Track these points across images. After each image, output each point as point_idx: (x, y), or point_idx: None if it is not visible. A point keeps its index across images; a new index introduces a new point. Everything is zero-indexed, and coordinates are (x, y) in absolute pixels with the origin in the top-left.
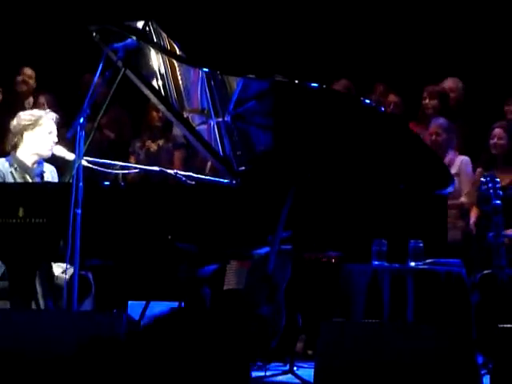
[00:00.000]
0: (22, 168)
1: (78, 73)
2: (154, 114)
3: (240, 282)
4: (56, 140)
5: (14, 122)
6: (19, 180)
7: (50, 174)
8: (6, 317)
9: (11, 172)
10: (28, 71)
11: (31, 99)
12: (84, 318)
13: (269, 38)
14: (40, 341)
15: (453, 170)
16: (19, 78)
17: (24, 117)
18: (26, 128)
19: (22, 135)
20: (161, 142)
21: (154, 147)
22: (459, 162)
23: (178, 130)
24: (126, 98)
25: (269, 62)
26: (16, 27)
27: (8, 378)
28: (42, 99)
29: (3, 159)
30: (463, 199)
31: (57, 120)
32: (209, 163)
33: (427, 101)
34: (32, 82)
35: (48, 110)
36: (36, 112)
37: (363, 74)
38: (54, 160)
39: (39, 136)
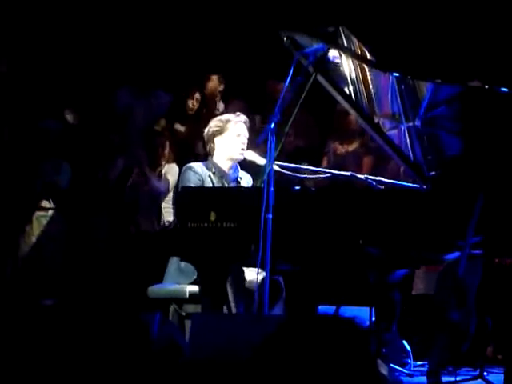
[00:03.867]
0: (220, 173)
1: (266, 79)
2: (351, 117)
3: (428, 287)
4: (245, 142)
5: (206, 130)
6: (217, 184)
7: (247, 182)
8: (198, 320)
9: (209, 176)
10: (213, 77)
11: (221, 104)
12: (275, 323)
13: (460, 42)
14: (231, 345)
15: None
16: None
17: (213, 123)
18: (215, 134)
19: (213, 141)
20: (352, 146)
21: (340, 150)
22: None
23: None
24: (314, 101)
25: (461, 65)
26: (207, 33)
27: (197, 381)
28: (233, 105)
29: (201, 163)
30: None
31: (246, 122)
32: (402, 168)
33: None
34: (213, 84)
35: (238, 113)
36: (224, 117)
37: None
38: (245, 165)
39: (228, 140)
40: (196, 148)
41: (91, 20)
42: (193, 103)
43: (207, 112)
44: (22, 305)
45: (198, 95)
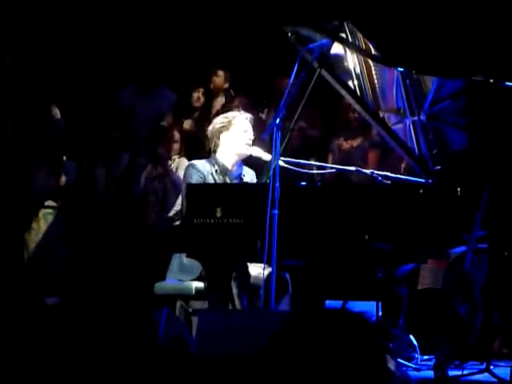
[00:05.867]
0: (223, 170)
1: (272, 75)
2: (351, 114)
3: (435, 282)
4: (251, 138)
5: (210, 127)
6: (219, 181)
7: (250, 178)
8: (205, 317)
9: (212, 173)
10: (220, 72)
11: (222, 98)
12: (282, 319)
13: (465, 36)
14: (237, 340)
15: None
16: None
17: (218, 120)
18: (221, 130)
19: (218, 137)
20: (357, 141)
21: (345, 146)
22: None
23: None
24: (318, 97)
25: (465, 60)
26: (211, 29)
27: (205, 378)
28: (236, 101)
29: (203, 160)
30: None
31: (251, 120)
32: (403, 163)
33: None
34: (219, 80)
35: (243, 112)
36: (230, 114)
37: None
38: (251, 161)
39: (234, 135)
40: (204, 144)
41: (97, 16)
42: (198, 96)
43: (212, 107)
44: (25, 303)
45: (202, 89)
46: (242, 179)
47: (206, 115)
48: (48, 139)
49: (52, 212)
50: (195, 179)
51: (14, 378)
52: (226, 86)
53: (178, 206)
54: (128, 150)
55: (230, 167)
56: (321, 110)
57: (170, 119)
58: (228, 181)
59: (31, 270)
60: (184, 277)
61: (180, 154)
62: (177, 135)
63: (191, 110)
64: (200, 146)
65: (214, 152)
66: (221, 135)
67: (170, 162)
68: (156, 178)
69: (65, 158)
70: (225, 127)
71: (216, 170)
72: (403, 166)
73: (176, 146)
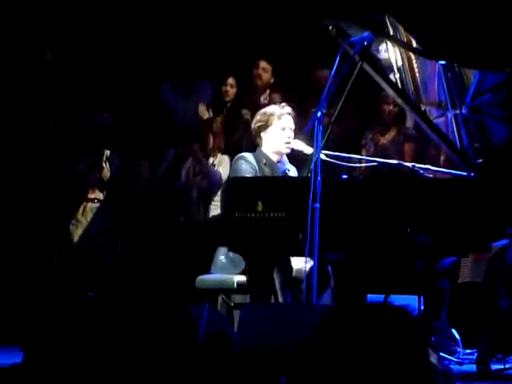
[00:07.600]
0: (270, 163)
1: (313, 68)
2: (385, 107)
3: (476, 275)
4: (291, 135)
5: (252, 124)
6: (269, 175)
7: (294, 174)
8: (247, 310)
9: (261, 166)
10: (264, 64)
11: (267, 93)
12: (324, 313)
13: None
14: (279, 334)
15: None
16: (255, 72)
17: (258, 117)
18: (260, 129)
19: (259, 136)
20: (391, 135)
21: (382, 141)
22: None
23: (409, 123)
24: (353, 91)
25: (508, 52)
26: (254, 21)
27: (247, 373)
28: (276, 96)
29: (250, 154)
30: None
31: (291, 113)
32: (442, 156)
33: None
34: (267, 75)
35: (283, 105)
36: (268, 110)
37: None
38: (292, 154)
39: (272, 135)
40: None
41: (138, 10)
42: (226, 89)
43: (254, 100)
44: (67, 295)
45: (231, 80)
46: (286, 174)
47: (246, 107)
48: (93, 132)
49: (96, 206)
50: (248, 171)
51: (49, 371)
52: (272, 80)
53: (217, 202)
54: (173, 146)
55: (275, 161)
56: (354, 104)
57: (207, 113)
58: (276, 174)
59: (77, 263)
60: (229, 270)
61: (220, 150)
62: (215, 128)
63: (223, 105)
64: (236, 143)
65: (259, 146)
66: (261, 133)
67: (211, 159)
68: (198, 174)
69: (109, 151)
70: (263, 126)
71: (265, 163)
72: (442, 158)
73: (211, 142)
